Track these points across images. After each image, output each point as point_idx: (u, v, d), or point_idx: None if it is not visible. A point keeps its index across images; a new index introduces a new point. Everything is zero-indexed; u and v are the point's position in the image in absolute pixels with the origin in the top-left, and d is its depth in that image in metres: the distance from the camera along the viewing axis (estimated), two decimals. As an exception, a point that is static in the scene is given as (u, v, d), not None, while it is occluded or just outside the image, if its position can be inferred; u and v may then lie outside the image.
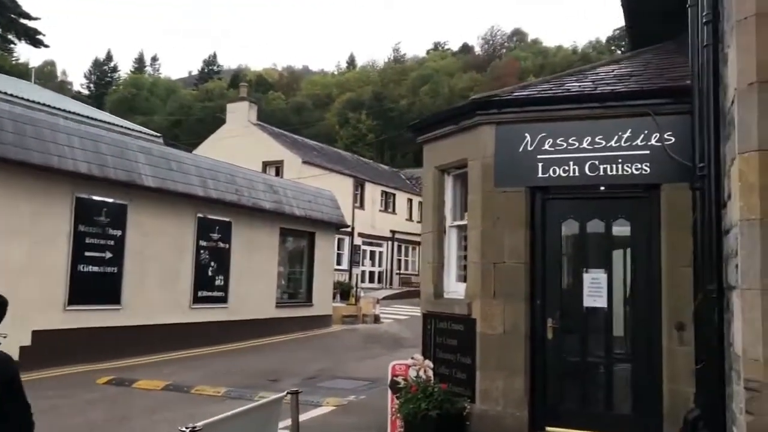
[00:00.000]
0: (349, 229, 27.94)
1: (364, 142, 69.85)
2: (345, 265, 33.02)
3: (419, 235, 37.80)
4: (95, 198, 12.79)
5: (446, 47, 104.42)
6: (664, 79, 7.07)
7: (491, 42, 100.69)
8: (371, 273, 37.13)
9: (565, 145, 6.92)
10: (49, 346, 11.73)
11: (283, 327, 18.26)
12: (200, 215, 15.46)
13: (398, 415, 7.08)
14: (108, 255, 13.01)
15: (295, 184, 20.51)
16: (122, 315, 13.32)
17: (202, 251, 15.51)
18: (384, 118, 76.56)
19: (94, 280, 12.72)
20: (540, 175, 6.99)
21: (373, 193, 37.77)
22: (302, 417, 9.08)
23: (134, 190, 13.55)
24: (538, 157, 7.00)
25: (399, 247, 41.00)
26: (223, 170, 16.52)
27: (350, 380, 12.03)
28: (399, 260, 41.05)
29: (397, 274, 40.11)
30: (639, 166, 6.65)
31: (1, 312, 3.24)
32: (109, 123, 21.58)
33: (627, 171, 6.69)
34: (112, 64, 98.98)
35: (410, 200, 42.96)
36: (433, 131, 8.18)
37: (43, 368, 11.49)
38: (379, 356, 15.57)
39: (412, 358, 7.64)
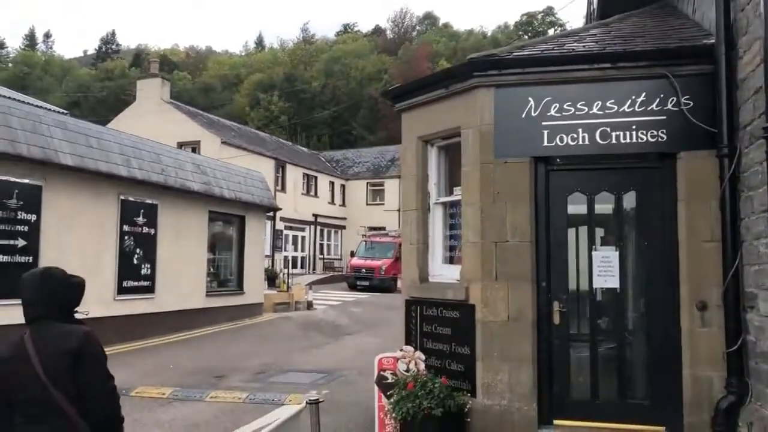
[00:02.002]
0: (270, 213, 26.76)
1: (277, 125, 68.06)
2: (267, 251, 31.71)
3: (342, 219, 37.43)
4: (4, 178, 11.18)
5: (356, 29, 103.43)
6: (675, 39, 6.54)
7: (401, 25, 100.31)
8: (294, 258, 35.95)
9: (572, 110, 6.27)
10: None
11: (214, 317, 17.02)
12: (124, 197, 13.99)
13: (392, 414, 6.29)
14: (21, 242, 11.45)
15: (224, 164, 19.17)
16: (39, 310, 11.76)
17: (126, 237, 14.07)
18: (296, 100, 75.00)
19: (6, 272, 11.14)
20: (546, 143, 6.32)
21: (294, 175, 36.54)
22: (269, 419, 8.15)
23: (50, 169, 12.00)
24: (543, 123, 6.32)
25: (321, 231, 40.03)
26: (148, 148, 15.06)
27: (304, 373, 11.13)
28: (321, 245, 40.09)
29: (320, 258, 39.17)
30: (655, 132, 6.08)
31: (81, 292, 3.33)
32: (7, 98, 19.37)
33: (642, 138, 6.12)
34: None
35: (332, 183, 42.06)
36: (416, 97, 7.36)
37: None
38: (324, 345, 14.73)
39: (401, 350, 6.86)
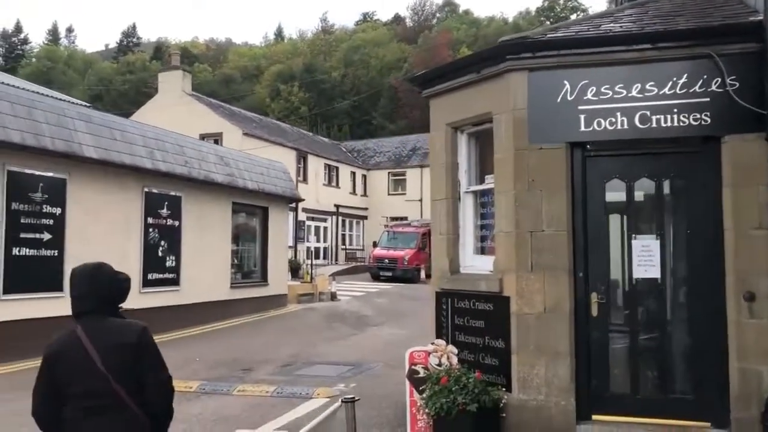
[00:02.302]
0: (293, 204, 26.71)
1: (297, 115, 67.94)
2: (290, 242, 31.70)
3: (364, 209, 37.19)
4: (29, 171, 11.15)
5: (375, 18, 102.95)
6: (718, 17, 6.24)
7: (421, 13, 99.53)
8: (316, 249, 35.90)
9: (610, 93, 6.01)
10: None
11: (238, 309, 16.98)
12: (148, 190, 13.94)
13: (425, 409, 6.11)
14: (46, 236, 11.43)
15: (246, 156, 19.07)
16: (65, 303, 11.74)
17: (150, 230, 14.03)
18: (316, 90, 74.86)
19: (32, 265, 11.14)
20: (583, 128, 6.07)
21: (316, 166, 36.43)
22: (297, 413, 8.04)
23: (74, 162, 11.95)
24: (580, 108, 6.08)
25: (343, 221, 39.92)
26: (171, 140, 14.99)
27: (330, 365, 10.99)
28: (343, 235, 39.99)
29: (342, 249, 39.08)
30: (698, 115, 5.81)
31: (128, 288, 3.46)
32: (31, 92, 19.44)
33: (683, 122, 5.85)
34: (22, 36, 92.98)
35: (353, 173, 41.90)
36: (445, 82, 7.13)
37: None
38: (349, 336, 14.61)
39: (433, 343, 6.67)
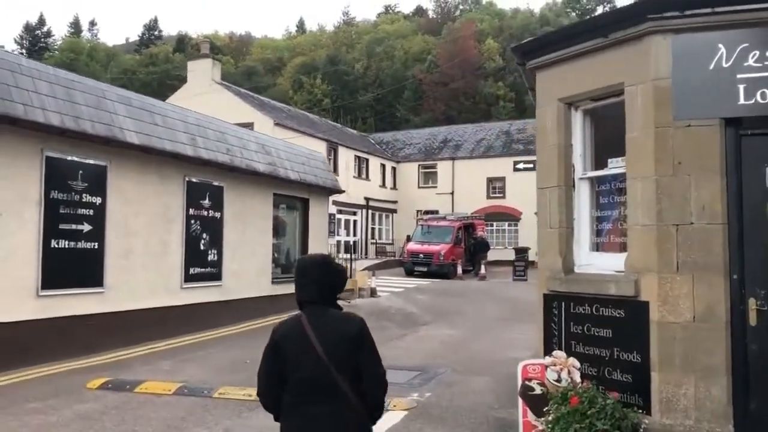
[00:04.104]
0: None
1: (320, 107, 67.03)
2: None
3: (393, 202, 36.00)
4: (69, 158, 10.32)
5: (397, 10, 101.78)
6: None
7: (444, 4, 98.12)
8: (346, 243, 35.01)
9: (778, 59, 5.00)
10: (19, 342, 9.40)
11: (280, 305, 15.98)
12: (190, 179, 13.08)
13: (549, 435, 5.15)
14: (86, 227, 10.59)
15: (286, 144, 18.18)
16: (106, 299, 10.97)
17: (192, 221, 13.16)
18: (339, 83, 74.08)
19: (72, 259, 10.32)
20: (742, 101, 5.06)
21: (346, 158, 35.51)
22: (378, 428, 7.12)
23: (115, 148, 11.10)
24: (739, 76, 5.07)
25: (373, 215, 38.98)
26: (213, 127, 14.11)
27: (394, 371, 9.96)
28: (373, 229, 39.06)
29: (372, 243, 38.15)
30: None
31: (345, 280, 3.48)
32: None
33: None
34: (45, 29, 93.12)
35: (383, 166, 40.93)
36: (558, 51, 6.16)
37: (11, 369, 9.19)
38: (402, 337, 13.68)
39: (551, 355, 5.70)
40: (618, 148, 5.99)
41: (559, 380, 5.53)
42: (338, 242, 32.59)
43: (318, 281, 3.26)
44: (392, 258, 35.07)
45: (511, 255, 32.07)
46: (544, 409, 5.25)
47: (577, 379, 5.47)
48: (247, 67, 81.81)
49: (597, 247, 6.22)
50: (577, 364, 5.55)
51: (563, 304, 6.05)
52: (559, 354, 5.67)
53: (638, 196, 5.39)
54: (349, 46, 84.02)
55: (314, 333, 3.14)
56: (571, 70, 6.09)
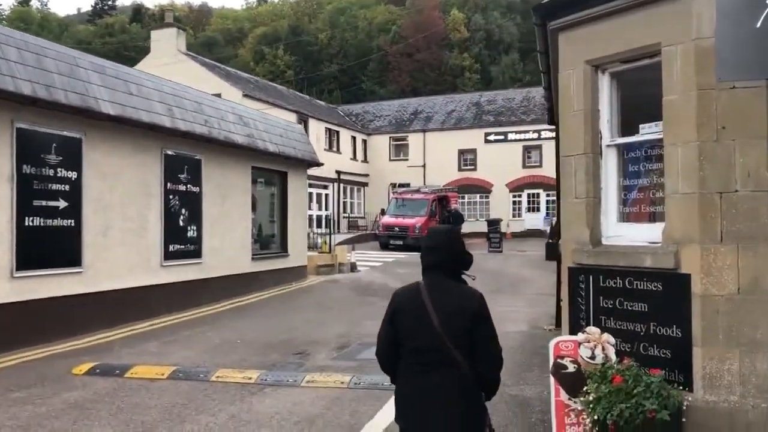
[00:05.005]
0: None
1: (284, 79, 65.83)
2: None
3: (365, 176, 35.59)
4: (42, 130, 9.65)
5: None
6: None
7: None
8: (318, 217, 34.52)
9: (832, 15, 4.71)
10: (-6, 327, 8.84)
11: (261, 282, 15.67)
12: (167, 151, 12.46)
13: (589, 417, 4.87)
14: (62, 204, 9.98)
15: (264, 115, 17.57)
16: (84, 279, 10.41)
17: (171, 196, 12.58)
18: (303, 54, 72.84)
19: (47, 237, 9.72)
20: (792, 61, 4.77)
21: (317, 130, 34.83)
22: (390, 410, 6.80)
23: (89, 119, 10.45)
24: (791, 33, 4.77)
25: (344, 188, 38.48)
26: (189, 97, 13.47)
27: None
28: (345, 203, 38.60)
29: (344, 217, 37.71)
30: None
31: (468, 258, 3.41)
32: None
33: None
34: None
35: (354, 138, 40.36)
36: (587, 9, 5.77)
37: (-11, 356, 8.65)
38: (390, 312, 13.35)
39: (584, 331, 5.42)
40: (647, 114, 5.68)
41: (593, 357, 5.25)
42: (310, 217, 32.11)
43: (444, 250, 3.31)
44: (365, 232, 34.72)
45: (483, 227, 32.06)
46: (584, 389, 4.97)
47: (612, 356, 5.20)
48: (207, 38, 79.91)
49: (624, 218, 5.93)
50: (612, 340, 5.27)
51: (591, 277, 5.77)
52: (593, 330, 5.38)
53: (678, 163, 5.09)
54: (312, 17, 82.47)
55: (431, 303, 3.15)
56: (601, 31, 5.73)
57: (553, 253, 24.71)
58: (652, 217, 5.71)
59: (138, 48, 60.53)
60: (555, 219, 29.75)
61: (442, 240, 3.37)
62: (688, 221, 5.02)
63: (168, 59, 29.41)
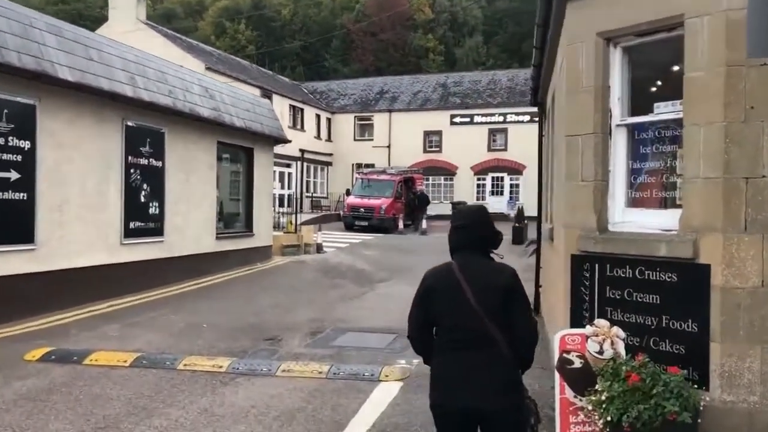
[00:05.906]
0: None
1: (245, 54, 64.19)
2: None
3: (329, 155, 35.03)
4: (-9, 95, 8.87)
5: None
6: None
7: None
8: (281, 196, 33.76)
9: None
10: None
11: (225, 262, 15.05)
12: (128, 123, 11.70)
13: (601, 417, 4.50)
14: (14, 175, 9.21)
15: (231, 89, 16.80)
16: (37, 257, 9.67)
17: (132, 170, 11.84)
18: (265, 29, 71.25)
19: (-3, 212, 8.98)
20: (829, 37, 4.43)
21: (281, 106, 33.92)
22: (376, 404, 6.35)
23: (45, 85, 9.66)
24: (827, 8, 4.42)
25: (308, 167, 37.74)
26: (153, 65, 12.67)
27: (367, 333, 9.38)
28: (308, 182, 37.88)
29: (307, 197, 37.01)
30: None
31: (498, 236, 3.40)
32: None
33: None
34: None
35: (318, 116, 39.57)
36: (600, -23, 5.36)
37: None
38: (361, 295, 13.00)
39: (593, 324, 5.04)
40: (660, 91, 5.31)
41: (600, 352, 4.86)
42: (273, 195, 31.38)
43: (476, 228, 3.31)
44: (329, 212, 34.13)
45: (447, 209, 31.79)
46: (596, 388, 4.60)
47: (622, 351, 4.82)
48: (166, 9, 77.51)
49: (631, 203, 5.57)
50: (622, 334, 4.89)
51: (597, 265, 5.39)
52: (602, 323, 4.99)
53: (700, 145, 4.72)
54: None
55: (466, 281, 3.16)
56: (616, 1, 5.32)
57: (520, 236, 24.70)
58: (664, 203, 5.36)
59: (93, 17, 58.34)
60: (520, 203, 29.72)
61: (473, 219, 3.36)
62: (709, 208, 4.67)
63: (127, 28, 28.14)
